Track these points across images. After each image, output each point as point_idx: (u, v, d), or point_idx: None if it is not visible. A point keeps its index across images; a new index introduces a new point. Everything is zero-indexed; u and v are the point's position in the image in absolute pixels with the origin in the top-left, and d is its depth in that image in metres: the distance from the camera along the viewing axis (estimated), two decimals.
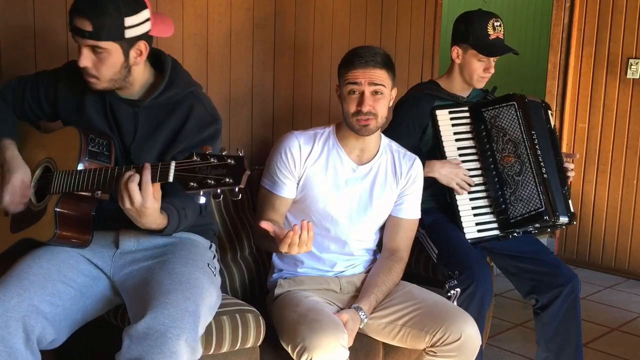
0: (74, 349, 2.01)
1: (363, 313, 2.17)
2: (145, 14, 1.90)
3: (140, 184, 1.68)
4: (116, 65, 1.91)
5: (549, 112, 2.83)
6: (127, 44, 1.89)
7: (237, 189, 1.60)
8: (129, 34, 1.87)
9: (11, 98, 2.09)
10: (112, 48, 1.88)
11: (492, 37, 2.63)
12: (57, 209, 1.87)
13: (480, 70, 2.68)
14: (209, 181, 1.59)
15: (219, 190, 1.60)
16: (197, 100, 2.05)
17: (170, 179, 1.63)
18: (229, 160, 1.59)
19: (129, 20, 1.86)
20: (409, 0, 3.60)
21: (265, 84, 3.06)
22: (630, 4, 4.24)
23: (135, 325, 1.71)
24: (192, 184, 1.60)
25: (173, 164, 1.63)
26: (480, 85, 2.73)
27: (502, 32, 2.66)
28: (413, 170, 2.39)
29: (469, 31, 2.66)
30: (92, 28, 1.83)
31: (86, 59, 1.88)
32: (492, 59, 2.67)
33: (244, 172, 1.59)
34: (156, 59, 2.07)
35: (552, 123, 2.82)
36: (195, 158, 1.61)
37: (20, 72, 2.34)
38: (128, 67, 1.93)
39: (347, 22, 3.34)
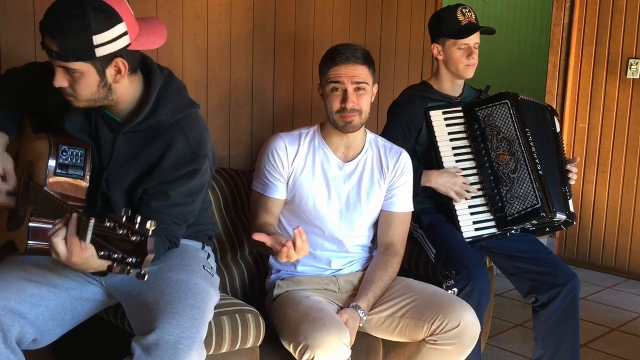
0: (73, 348, 2.01)
1: (362, 311, 2.18)
2: (120, 28, 1.72)
3: (65, 238, 1.55)
4: (92, 85, 1.76)
5: (555, 117, 2.86)
6: (101, 63, 1.74)
7: (142, 272, 1.46)
8: (100, 52, 1.70)
9: (15, 84, 2.00)
10: (84, 68, 1.72)
11: (464, 22, 2.66)
12: (30, 224, 1.78)
13: (463, 58, 2.68)
14: (115, 255, 1.47)
15: (127, 267, 1.47)
16: (181, 133, 1.88)
17: (88, 239, 1.51)
18: (134, 238, 1.44)
19: (98, 38, 1.69)
20: (409, 0, 3.61)
21: (265, 84, 3.06)
22: (630, 4, 4.24)
23: (146, 337, 1.70)
24: (101, 252, 1.49)
25: (91, 224, 1.50)
26: (469, 74, 2.73)
27: (473, 17, 2.68)
28: (400, 163, 2.39)
29: (442, 25, 2.70)
30: (58, 48, 1.69)
31: (60, 80, 1.75)
32: (471, 44, 2.67)
33: (145, 256, 1.45)
34: (148, 70, 1.91)
35: (559, 128, 2.84)
36: (107, 224, 1.48)
37: None
38: (107, 85, 1.78)
39: (347, 22, 3.34)
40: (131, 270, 1.47)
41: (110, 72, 1.77)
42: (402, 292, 2.27)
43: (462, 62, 2.69)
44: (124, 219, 1.47)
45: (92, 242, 1.50)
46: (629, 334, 3.49)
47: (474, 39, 2.68)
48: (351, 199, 2.34)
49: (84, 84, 1.76)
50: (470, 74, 2.73)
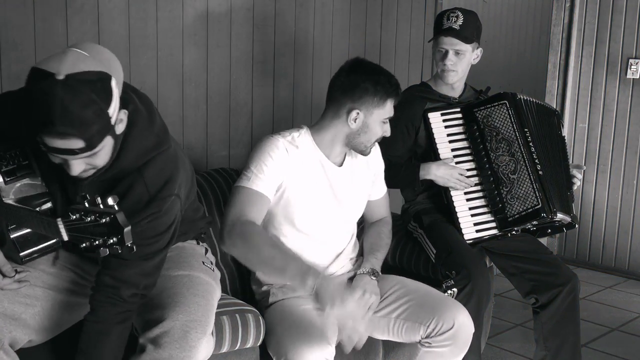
0: (73, 348, 2.01)
1: (371, 271, 2.24)
2: (112, 82, 1.55)
3: None
4: (110, 150, 1.62)
5: (561, 121, 2.87)
6: (114, 127, 1.59)
7: (129, 244, 1.44)
8: (114, 118, 1.57)
9: None
10: (106, 142, 1.58)
11: (445, 26, 2.67)
12: (12, 236, 1.72)
13: (440, 62, 2.70)
14: (96, 242, 1.44)
15: (114, 247, 1.45)
16: (139, 179, 1.71)
17: (65, 237, 1.47)
18: (103, 220, 1.41)
19: (111, 109, 1.54)
20: (409, 0, 3.61)
21: (265, 84, 3.06)
22: (630, 4, 4.24)
23: (152, 329, 1.73)
24: (83, 245, 1.46)
25: (60, 223, 1.47)
26: (446, 79, 2.72)
27: (457, 24, 2.67)
28: (377, 148, 2.43)
29: (434, 27, 2.75)
30: (85, 143, 1.52)
31: (78, 169, 1.60)
32: (450, 50, 2.66)
33: (122, 230, 1.42)
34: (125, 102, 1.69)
35: (564, 133, 2.86)
36: (72, 217, 1.45)
37: (20, 74, 2.34)
38: (119, 140, 1.66)
39: (347, 22, 3.34)
40: (119, 249, 1.46)
41: (119, 128, 1.63)
42: (397, 292, 2.26)
43: (439, 66, 2.72)
44: (87, 204, 1.44)
45: (70, 237, 1.48)
46: (629, 334, 3.49)
47: (449, 44, 2.66)
48: (343, 203, 2.28)
49: (105, 154, 1.62)
50: (447, 79, 2.72)
